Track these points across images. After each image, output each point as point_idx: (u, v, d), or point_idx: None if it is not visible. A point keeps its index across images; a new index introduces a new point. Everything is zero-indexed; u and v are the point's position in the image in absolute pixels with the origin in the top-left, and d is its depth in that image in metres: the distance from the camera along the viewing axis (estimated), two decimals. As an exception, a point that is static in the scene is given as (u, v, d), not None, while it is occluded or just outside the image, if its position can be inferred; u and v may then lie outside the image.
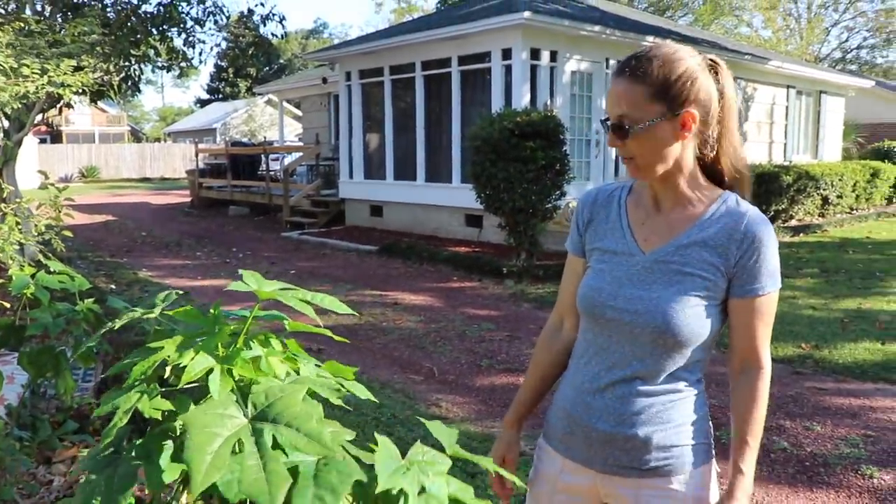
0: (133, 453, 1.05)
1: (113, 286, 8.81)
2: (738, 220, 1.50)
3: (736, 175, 1.58)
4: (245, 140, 33.13)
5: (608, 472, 1.57)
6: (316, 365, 1.32)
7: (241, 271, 1.24)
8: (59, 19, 9.22)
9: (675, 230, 1.54)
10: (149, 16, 9.72)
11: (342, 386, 1.19)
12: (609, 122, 1.52)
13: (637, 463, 1.54)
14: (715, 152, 1.56)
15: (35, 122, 9.21)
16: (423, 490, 0.95)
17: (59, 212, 4.61)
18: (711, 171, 1.58)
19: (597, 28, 11.70)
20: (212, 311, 1.24)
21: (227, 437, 0.93)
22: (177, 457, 1.00)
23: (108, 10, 9.61)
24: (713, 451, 1.60)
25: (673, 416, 1.53)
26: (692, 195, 1.55)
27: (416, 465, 0.97)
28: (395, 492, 0.93)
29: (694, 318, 1.48)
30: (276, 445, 0.93)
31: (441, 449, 1.07)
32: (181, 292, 1.46)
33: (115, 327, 1.28)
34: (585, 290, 1.62)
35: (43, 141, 37.01)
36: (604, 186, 1.72)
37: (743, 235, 1.48)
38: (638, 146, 1.49)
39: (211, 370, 1.09)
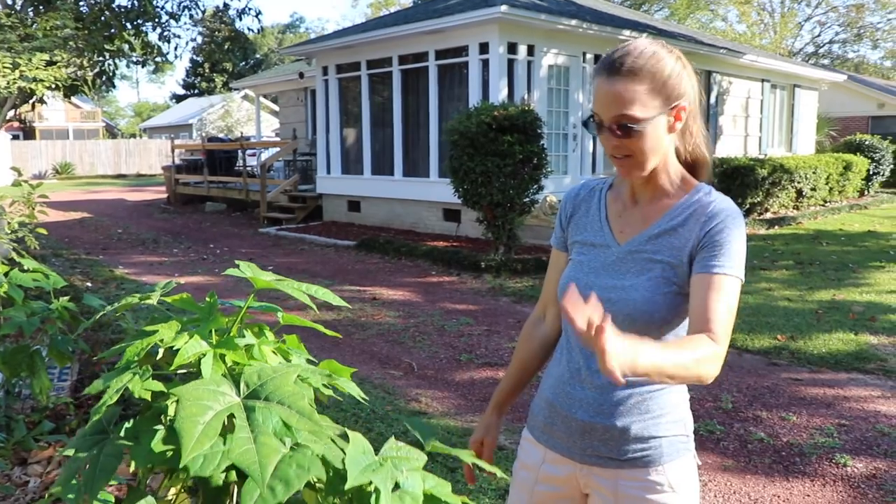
0: (122, 433, 1.05)
1: (89, 284, 8.71)
2: (707, 205, 1.53)
3: (703, 161, 1.63)
4: (222, 136, 32.91)
5: (587, 463, 1.59)
6: (309, 361, 1.33)
7: (236, 261, 1.24)
8: (31, 13, 9.09)
9: (649, 221, 1.57)
10: (123, 10, 9.62)
11: (332, 378, 1.19)
12: (607, 123, 1.50)
13: (615, 453, 1.56)
14: (693, 143, 1.60)
15: (7, 118, 9.09)
16: (397, 486, 0.95)
17: (33, 209, 4.55)
18: (686, 161, 1.61)
19: (573, 22, 11.73)
20: (207, 299, 1.24)
21: (219, 410, 0.94)
22: (167, 440, 1.00)
23: (82, 4, 9.49)
24: (692, 443, 1.62)
25: (652, 407, 1.55)
26: (669, 188, 1.57)
27: (390, 461, 0.97)
28: (369, 488, 0.93)
29: (665, 304, 1.51)
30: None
31: (420, 445, 1.07)
32: (176, 284, 1.46)
33: (102, 319, 1.28)
34: (564, 281, 1.64)
35: (16, 137, 36.51)
36: (587, 182, 1.75)
37: (707, 218, 1.50)
38: (639, 144, 1.49)
39: (204, 354, 1.09)
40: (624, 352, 1.14)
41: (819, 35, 39.86)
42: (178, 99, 58.82)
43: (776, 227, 13.12)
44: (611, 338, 1.11)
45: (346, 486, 0.91)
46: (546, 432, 1.67)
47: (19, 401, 3.94)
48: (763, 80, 17.32)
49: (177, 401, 0.96)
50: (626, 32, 12.67)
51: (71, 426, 3.80)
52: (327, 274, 9.55)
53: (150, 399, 1.06)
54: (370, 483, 0.93)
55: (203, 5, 10.72)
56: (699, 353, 1.32)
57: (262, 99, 23.72)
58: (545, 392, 1.69)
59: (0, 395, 3.63)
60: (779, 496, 3.56)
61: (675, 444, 1.57)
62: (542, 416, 1.69)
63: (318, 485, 1.01)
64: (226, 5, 11.44)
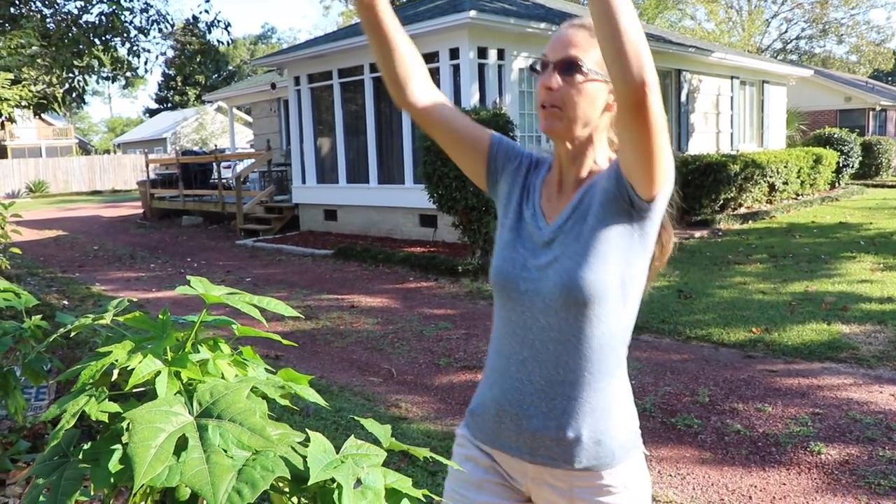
0: (80, 456, 1.06)
1: (66, 302, 8.64)
2: (613, 160, 1.49)
3: None
4: (196, 149, 32.73)
5: (538, 463, 1.54)
6: (267, 370, 1.34)
7: (188, 277, 1.25)
8: (-4, 32, 9.02)
9: (570, 198, 1.54)
10: (90, 26, 9.57)
11: (289, 387, 1.21)
12: (553, 63, 1.47)
13: (567, 457, 1.51)
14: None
15: (-24, 137, 9.00)
16: (359, 482, 0.97)
17: (4, 228, 4.52)
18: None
19: (542, 25, 11.81)
20: (160, 316, 1.26)
21: (172, 432, 0.95)
22: (125, 459, 1.02)
23: (48, 20, 9.42)
24: (640, 438, 1.59)
25: (600, 406, 1.51)
26: (593, 167, 1.55)
27: (351, 458, 0.99)
28: (331, 485, 0.96)
29: (601, 266, 1.44)
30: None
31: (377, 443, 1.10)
32: (133, 300, 1.47)
33: (72, 335, 1.29)
34: (499, 261, 1.58)
35: (-14, 157, 36.06)
36: (540, 155, 1.68)
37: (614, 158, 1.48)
38: (576, 95, 1.46)
39: (158, 373, 1.10)
40: None
41: (786, 31, 40.38)
42: (152, 113, 58.46)
43: (750, 221, 13.27)
44: None
45: (309, 483, 0.93)
46: (493, 433, 1.59)
47: (-5, 422, 3.91)
48: (732, 77, 17.52)
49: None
50: (596, 34, 12.77)
51: (49, 445, 3.77)
52: (305, 283, 9.53)
53: (107, 421, 1.08)
54: (333, 480, 0.96)
55: (172, 19, 10.69)
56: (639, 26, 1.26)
57: (235, 111, 23.65)
58: (488, 391, 1.61)
59: (-24, 417, 3.60)
60: (755, 486, 3.61)
61: (626, 445, 1.54)
62: (487, 415, 1.60)
63: (281, 486, 1.03)
64: (195, 18, 11.40)
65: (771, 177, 14.39)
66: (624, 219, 1.45)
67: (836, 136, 18.30)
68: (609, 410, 1.52)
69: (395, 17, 1.55)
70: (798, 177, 15.57)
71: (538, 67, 1.51)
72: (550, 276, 1.48)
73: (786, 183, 15.05)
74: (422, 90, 1.60)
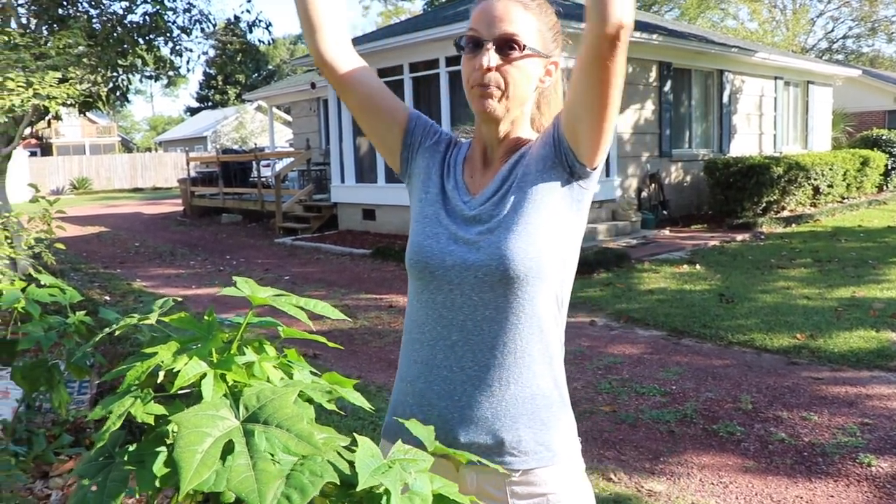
0: (126, 458, 1.05)
1: (107, 297, 8.78)
2: (547, 128, 1.44)
3: None
4: (236, 147, 33.14)
5: (472, 469, 1.40)
6: (312, 372, 1.32)
7: (234, 278, 1.24)
8: (45, 32, 9.19)
9: (497, 170, 1.46)
10: (135, 25, 9.69)
11: (336, 392, 1.19)
12: (488, 42, 1.37)
13: (505, 456, 1.39)
14: (542, 115, 1.52)
15: (24, 135, 9.19)
16: (406, 487, 0.95)
17: (50, 224, 4.59)
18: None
19: (583, 25, 11.68)
20: (206, 317, 1.24)
21: (218, 437, 0.93)
22: (170, 462, 1.00)
23: (94, 21, 9.57)
24: (577, 439, 1.49)
25: (542, 392, 1.40)
26: (520, 146, 1.47)
27: (398, 464, 0.97)
28: (378, 491, 0.94)
29: (539, 238, 1.36)
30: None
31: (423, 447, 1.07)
32: (179, 300, 1.46)
33: (115, 333, 1.29)
34: (420, 237, 1.45)
35: (33, 154, 36.91)
36: (453, 139, 1.60)
37: (550, 125, 1.43)
38: (517, 74, 1.38)
39: (204, 375, 1.09)
40: None
41: (832, 30, 39.70)
42: (193, 112, 59.28)
43: (793, 225, 13.01)
44: None
45: (358, 489, 0.91)
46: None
47: (40, 415, 3.97)
48: (776, 78, 17.20)
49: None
50: (637, 34, 12.63)
51: (91, 439, 3.83)
52: (343, 283, 9.57)
53: (152, 423, 1.07)
54: (380, 485, 0.94)
55: (214, 19, 10.78)
56: None
57: (275, 110, 23.87)
58: (411, 387, 1.48)
59: (20, 410, 3.66)
60: (802, 497, 3.52)
61: (565, 440, 1.43)
62: (412, 413, 1.45)
63: (328, 490, 1.01)
64: (236, 18, 11.48)
65: (815, 179, 14.09)
66: (562, 189, 1.39)
67: (884, 137, 17.89)
68: (550, 414, 1.41)
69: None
70: (844, 179, 15.23)
71: (464, 44, 1.42)
72: (483, 247, 1.37)
73: (831, 186, 14.73)
74: (339, 45, 1.50)
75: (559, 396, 1.44)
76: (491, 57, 1.37)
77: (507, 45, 1.37)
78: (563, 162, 1.38)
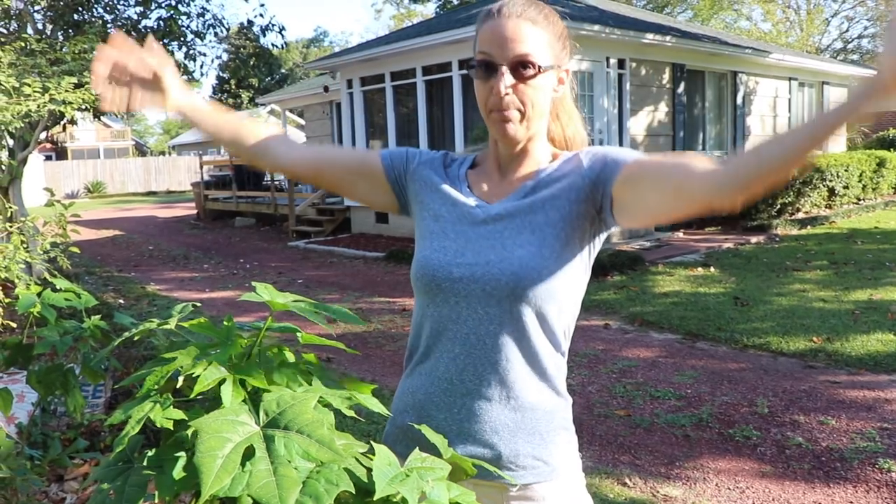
0: (145, 463, 1.05)
1: (122, 301, 8.82)
2: (577, 155, 1.42)
3: (584, 143, 1.52)
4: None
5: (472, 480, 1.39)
6: (331, 380, 1.32)
7: (254, 283, 1.23)
8: (60, 37, 9.26)
9: (516, 186, 1.43)
10: (149, 30, 9.76)
11: (355, 398, 1.19)
12: (502, 66, 1.33)
13: (503, 472, 1.36)
14: (571, 124, 1.51)
15: (39, 139, 9.25)
16: (423, 496, 0.94)
17: (65, 228, 4.61)
18: (564, 145, 1.51)
19: (596, 27, 11.68)
20: (225, 322, 1.24)
21: (239, 442, 0.93)
22: (189, 467, 1.00)
23: (109, 26, 9.64)
24: (577, 450, 1.48)
25: (539, 424, 1.39)
26: (539, 158, 1.45)
27: (416, 472, 0.96)
28: (395, 499, 0.93)
29: (555, 261, 1.35)
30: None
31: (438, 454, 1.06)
32: (198, 304, 1.46)
33: (134, 338, 1.29)
34: (427, 251, 1.43)
35: (48, 158, 37.21)
36: (448, 153, 1.58)
37: (586, 155, 1.40)
38: (533, 94, 1.35)
39: (223, 380, 1.08)
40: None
41: (847, 30, 39.48)
42: (206, 116, 59.46)
43: (808, 227, 12.92)
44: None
45: (375, 498, 0.90)
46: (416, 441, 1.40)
47: (55, 418, 3.99)
48: (790, 79, 17.10)
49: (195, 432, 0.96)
50: (650, 36, 12.59)
51: (106, 443, 3.84)
52: (357, 286, 9.57)
53: (171, 428, 1.06)
54: (397, 494, 0.93)
55: (227, 23, 10.83)
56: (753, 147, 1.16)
57: (288, 113, 23.93)
58: (412, 398, 1.48)
59: (36, 413, 3.68)
60: (820, 503, 3.48)
61: (566, 455, 1.43)
62: (403, 431, 1.46)
63: (345, 498, 1.01)
64: (250, 22, 11.54)
65: (830, 181, 13.99)
66: (584, 223, 1.38)
67: (900, 138, 17.74)
68: (551, 421, 1.40)
69: (218, 112, 1.57)
70: (860, 181, 15.11)
71: (475, 65, 1.38)
72: (494, 261, 1.35)
73: (846, 187, 14.62)
74: (290, 149, 1.56)
75: (560, 412, 1.43)
76: (507, 80, 1.34)
77: (521, 66, 1.34)
78: (595, 202, 1.36)
